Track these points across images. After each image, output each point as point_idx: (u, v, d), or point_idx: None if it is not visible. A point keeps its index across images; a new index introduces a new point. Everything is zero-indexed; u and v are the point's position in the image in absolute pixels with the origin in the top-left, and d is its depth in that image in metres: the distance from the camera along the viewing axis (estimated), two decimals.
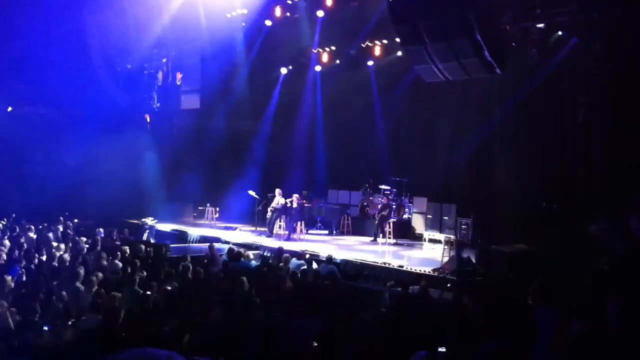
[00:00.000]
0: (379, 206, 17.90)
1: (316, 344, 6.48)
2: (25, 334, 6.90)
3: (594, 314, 6.30)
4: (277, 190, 18.23)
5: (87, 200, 19.83)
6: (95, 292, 9.15)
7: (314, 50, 20.99)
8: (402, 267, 13.30)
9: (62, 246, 13.41)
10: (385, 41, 19.03)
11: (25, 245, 13.86)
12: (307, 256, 13.45)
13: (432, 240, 17.33)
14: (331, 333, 6.74)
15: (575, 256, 11.61)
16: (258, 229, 18.87)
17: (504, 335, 5.83)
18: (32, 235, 15.49)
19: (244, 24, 20.43)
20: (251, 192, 19.11)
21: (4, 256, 12.35)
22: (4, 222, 16.66)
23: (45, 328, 7.65)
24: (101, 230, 16.06)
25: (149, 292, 9.36)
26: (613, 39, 13.78)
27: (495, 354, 5.27)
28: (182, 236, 18.54)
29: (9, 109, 21.19)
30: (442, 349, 5.73)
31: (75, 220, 18.07)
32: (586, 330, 5.02)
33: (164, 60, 24.60)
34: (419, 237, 18.15)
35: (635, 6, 13.27)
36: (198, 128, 23.44)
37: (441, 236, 16.38)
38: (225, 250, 14.09)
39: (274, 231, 18.20)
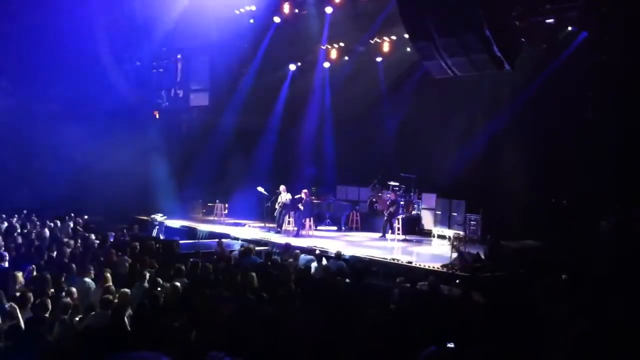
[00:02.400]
0: (388, 202, 17.91)
1: (325, 340, 6.48)
2: (35, 330, 6.93)
3: (600, 312, 6.28)
4: (282, 187, 18.25)
5: (97, 197, 19.90)
6: (105, 288, 9.18)
7: (322, 47, 20.97)
8: (411, 263, 13.31)
9: (72, 242, 13.46)
10: (393, 37, 19.00)
11: (35, 241, 13.93)
12: (317, 252, 13.46)
13: (440, 237, 17.31)
14: (340, 329, 6.74)
15: (584, 253, 11.57)
16: (267, 225, 18.91)
17: (512, 331, 5.82)
18: (42, 231, 15.55)
19: (252, 20, 20.42)
20: (260, 189, 19.13)
21: (15, 252, 12.41)
22: (15, 219, 16.73)
23: (56, 324, 7.68)
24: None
25: (158, 288, 9.39)
26: (622, 34, 13.71)
27: (502, 349, 5.26)
28: (191, 232, 18.61)
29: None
30: (451, 345, 5.73)
31: (85, 217, 18.13)
32: (593, 327, 5.01)
33: (173, 57, 24.63)
34: (428, 234, 18.16)
35: None
36: (207, 125, 23.51)
37: (450, 232, 16.35)
38: (239, 246, 14.10)
39: (283, 227, 18.25)
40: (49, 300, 8.07)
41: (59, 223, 16.51)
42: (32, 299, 8.34)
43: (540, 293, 7.93)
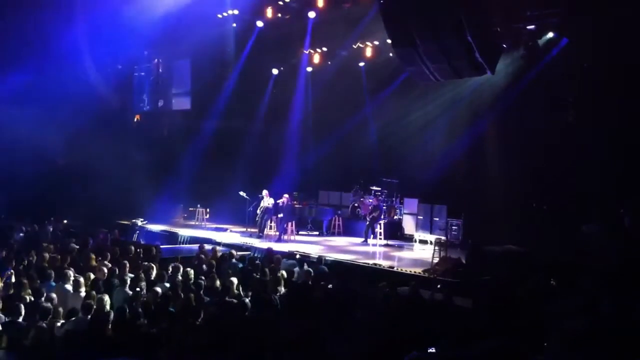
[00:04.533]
0: (370, 207, 17.93)
1: (306, 344, 6.46)
2: (11, 335, 6.86)
3: (586, 312, 6.32)
4: (264, 192, 18.22)
5: (77, 201, 19.73)
6: (85, 293, 9.09)
7: (305, 51, 20.99)
8: (392, 267, 13.31)
9: (52, 247, 13.32)
10: (376, 42, 19.05)
11: (14, 245, 13.77)
12: (298, 257, 13.43)
13: (422, 241, 17.35)
14: (321, 333, 6.72)
15: (566, 256, 11.66)
16: (249, 229, 18.85)
17: (495, 335, 5.83)
18: (21, 235, 15.39)
19: (235, 24, 20.39)
20: (242, 193, 19.08)
21: None
22: None
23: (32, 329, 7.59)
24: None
25: (137, 289, 9.33)
26: (602, 40, 13.84)
27: (486, 353, 5.27)
28: (172, 237, 18.48)
29: None
30: (432, 350, 5.72)
31: (65, 221, 17.95)
32: (581, 329, 5.03)
33: (155, 61, 24.53)
34: (410, 238, 18.20)
35: (623, 6, 13.34)
36: (189, 129, 23.42)
37: (432, 237, 16.40)
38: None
39: (265, 232, 18.20)
40: (22, 305, 7.99)
41: (36, 227, 16.34)
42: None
43: (527, 295, 7.97)
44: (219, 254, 13.17)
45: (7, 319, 7.89)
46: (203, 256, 13.16)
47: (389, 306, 8.94)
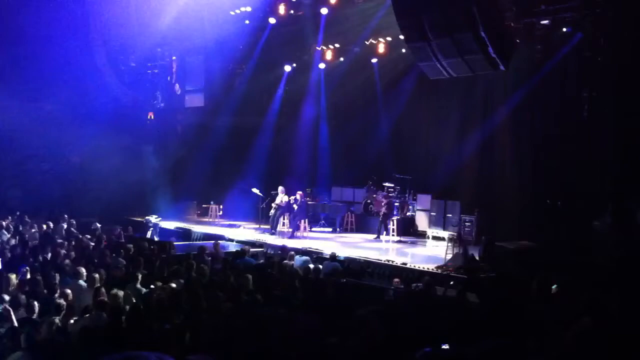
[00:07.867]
0: (383, 203, 17.89)
1: (319, 341, 6.46)
2: (26, 331, 6.91)
3: (598, 310, 6.28)
4: (280, 188, 18.24)
5: (91, 198, 19.86)
6: (99, 289, 9.15)
7: (317, 48, 20.94)
8: (405, 264, 13.29)
9: (66, 244, 13.42)
10: (389, 38, 18.98)
11: (29, 243, 13.89)
12: (311, 254, 13.45)
13: (435, 238, 17.30)
14: (334, 330, 6.72)
15: (579, 253, 11.59)
16: (262, 226, 18.89)
17: (508, 332, 5.80)
18: (36, 232, 15.52)
19: (247, 21, 20.40)
20: (255, 190, 19.12)
21: (9, 254, 12.38)
22: (9, 220, 16.66)
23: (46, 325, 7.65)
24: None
25: (152, 287, 9.38)
26: (617, 35, 13.73)
27: (498, 350, 5.24)
28: (186, 234, 18.57)
29: None
30: (446, 346, 5.70)
31: (80, 218, 18.08)
32: (593, 327, 5.00)
33: (168, 58, 24.60)
34: (423, 235, 18.14)
35: (638, 1, 13.23)
36: (202, 126, 23.48)
37: (445, 233, 16.34)
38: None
39: (278, 229, 18.23)
40: (37, 302, 8.07)
41: (51, 224, 16.47)
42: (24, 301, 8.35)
43: (536, 292, 7.93)
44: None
45: (22, 316, 7.98)
46: (217, 253, 13.23)
47: (401, 302, 8.93)
